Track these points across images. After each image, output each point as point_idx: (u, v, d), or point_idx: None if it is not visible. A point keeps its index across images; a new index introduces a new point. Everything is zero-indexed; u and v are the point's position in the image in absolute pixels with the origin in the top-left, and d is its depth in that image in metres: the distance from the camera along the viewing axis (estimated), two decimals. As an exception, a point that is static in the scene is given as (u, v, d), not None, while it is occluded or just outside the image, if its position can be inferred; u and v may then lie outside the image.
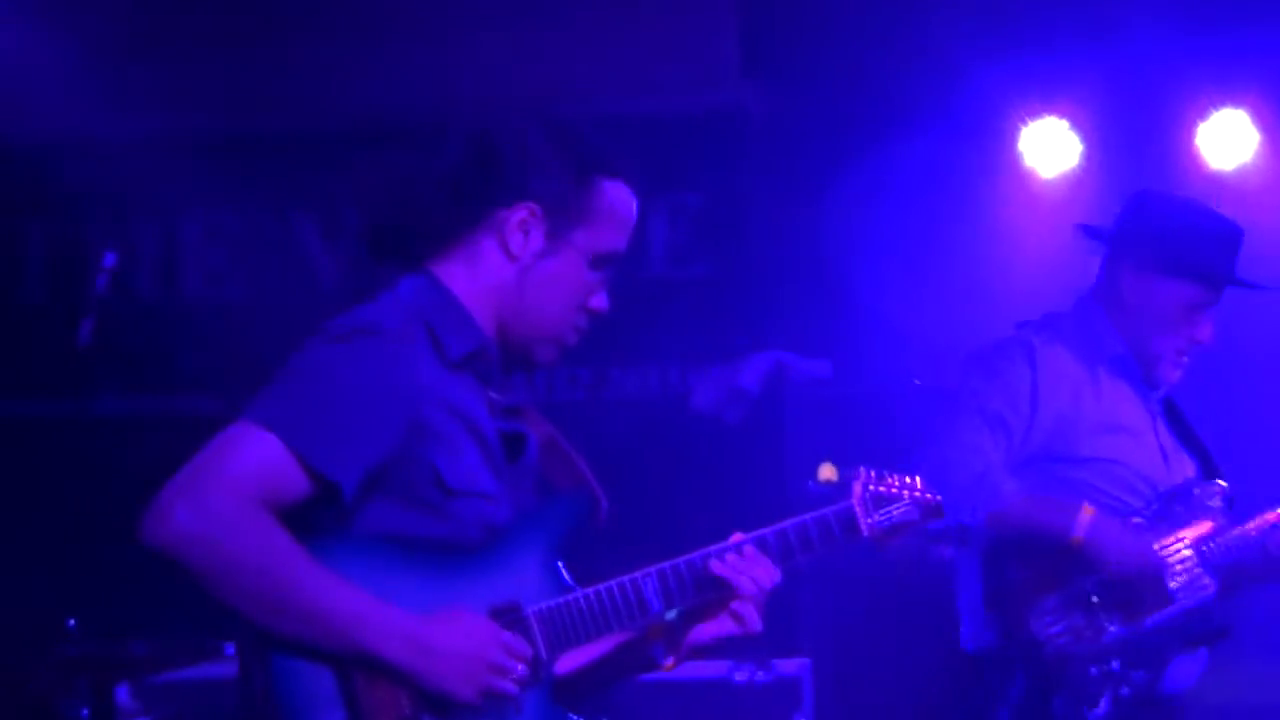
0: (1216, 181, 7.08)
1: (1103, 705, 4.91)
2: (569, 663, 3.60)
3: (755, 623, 3.62)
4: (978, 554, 5.11)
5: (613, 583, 3.51)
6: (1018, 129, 7.30)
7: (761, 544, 3.61)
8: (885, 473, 3.77)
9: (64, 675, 5.43)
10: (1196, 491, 5.14)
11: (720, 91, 7.58)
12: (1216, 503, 5.13)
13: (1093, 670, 4.94)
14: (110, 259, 5.43)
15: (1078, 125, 7.27)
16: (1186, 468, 5.22)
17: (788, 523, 3.65)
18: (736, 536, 3.60)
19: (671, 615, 3.64)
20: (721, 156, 7.56)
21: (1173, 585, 4.99)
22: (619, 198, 3.58)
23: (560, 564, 3.52)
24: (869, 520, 3.69)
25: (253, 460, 3.25)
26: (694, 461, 7.39)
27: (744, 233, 7.65)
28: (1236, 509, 5.15)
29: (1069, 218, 7.04)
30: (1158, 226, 5.19)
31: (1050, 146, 7.31)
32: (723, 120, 7.57)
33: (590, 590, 3.49)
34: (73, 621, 5.47)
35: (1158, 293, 5.15)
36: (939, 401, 5.26)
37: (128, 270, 5.61)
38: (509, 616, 3.41)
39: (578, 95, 7.08)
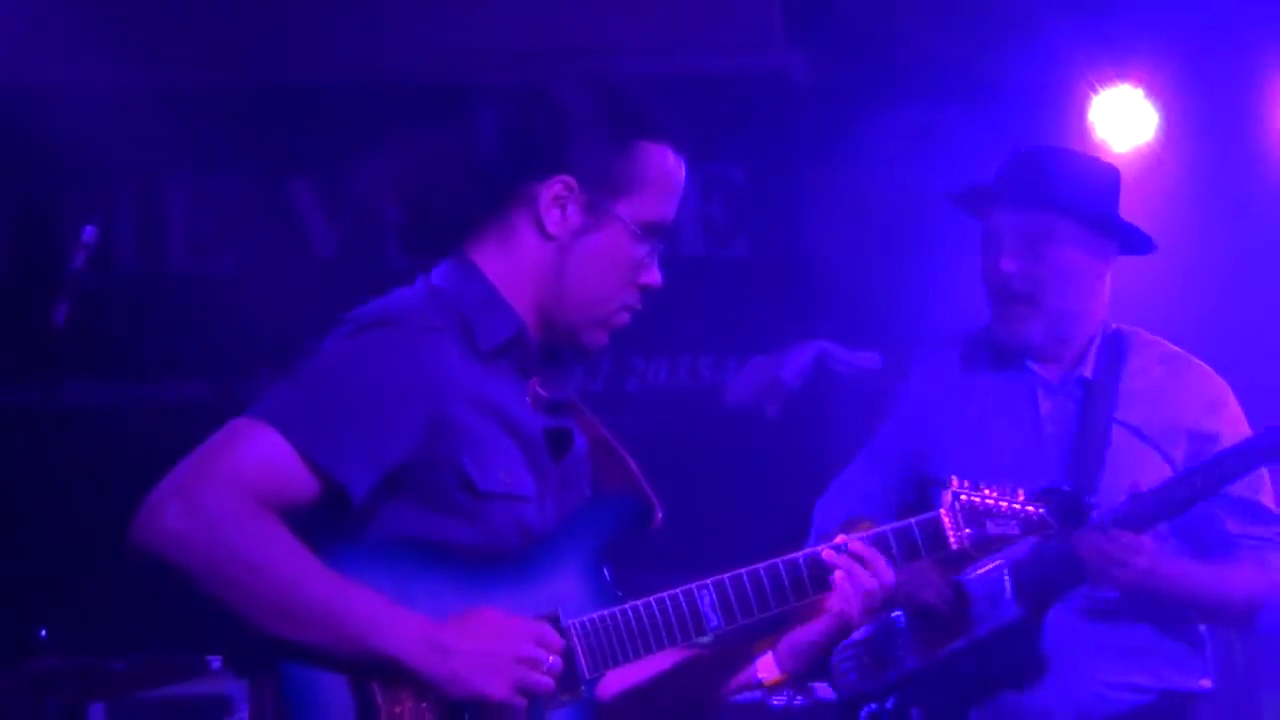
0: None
1: None
2: (624, 679, 3.57)
3: (858, 622, 3.60)
4: None
5: (664, 595, 3.47)
6: (1088, 98, 7.21)
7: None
8: (980, 482, 3.74)
9: (33, 692, 5.41)
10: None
11: (762, 55, 7.52)
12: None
13: (862, 712, 4.86)
14: (90, 233, 5.34)
15: (1154, 94, 7.17)
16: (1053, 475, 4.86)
17: (867, 533, 3.62)
18: (841, 539, 3.58)
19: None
20: (763, 127, 7.50)
21: (974, 610, 4.81)
22: (665, 162, 3.53)
23: (606, 572, 3.49)
24: (959, 534, 3.67)
25: (253, 457, 3.24)
26: (727, 461, 7.36)
27: (786, 211, 7.60)
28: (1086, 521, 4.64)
29: (1144, 196, 7.06)
30: None
31: (1124, 118, 7.21)
32: (765, 86, 7.51)
33: (639, 603, 3.44)
34: (44, 633, 5.50)
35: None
36: None
37: (105, 241, 5.59)
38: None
39: (604, 51, 7.03)
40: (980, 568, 4.76)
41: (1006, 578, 4.72)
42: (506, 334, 3.46)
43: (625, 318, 3.56)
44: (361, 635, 3.22)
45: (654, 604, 3.45)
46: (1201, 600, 4.84)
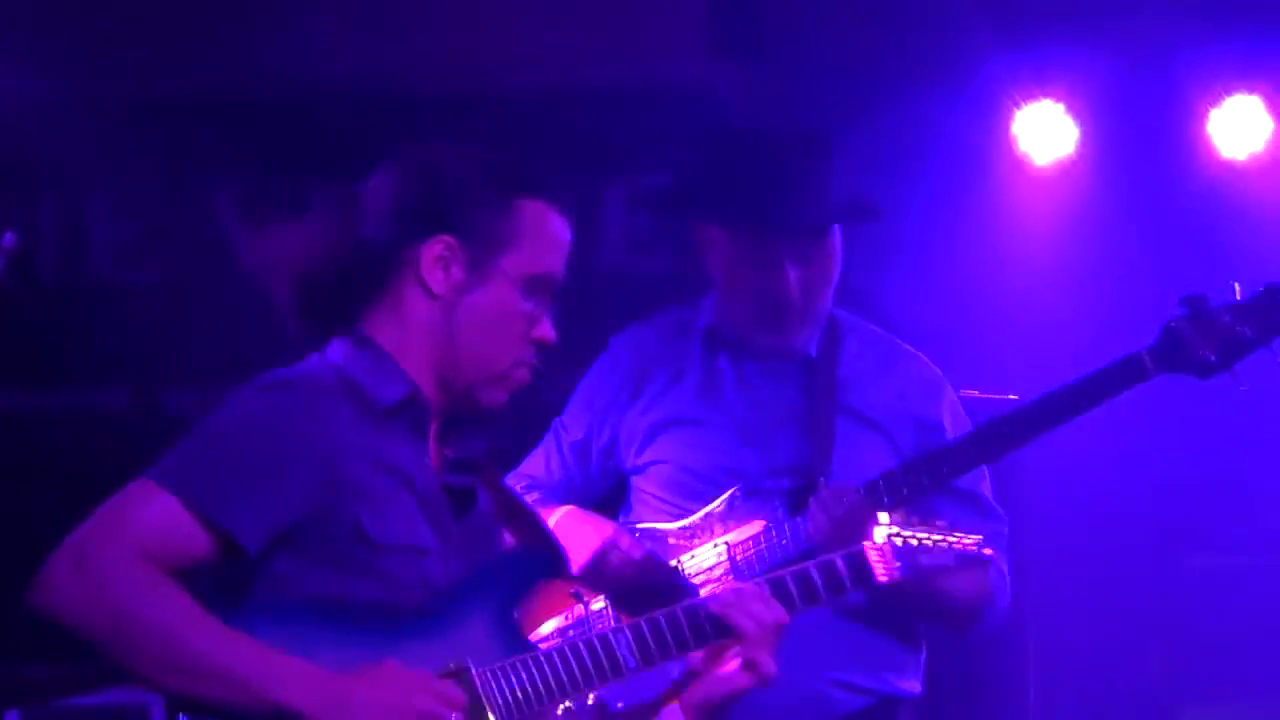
0: (1229, 169, 7.03)
1: None
2: None
3: (768, 665, 3.57)
4: None
5: (578, 640, 3.48)
6: (1011, 113, 7.23)
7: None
8: (914, 517, 3.81)
9: (-52, 701, 5.36)
10: (758, 485, 4.80)
11: (686, 65, 7.46)
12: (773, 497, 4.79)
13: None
14: (9, 239, 5.33)
15: (1074, 110, 7.21)
16: (782, 452, 4.87)
17: (787, 570, 3.67)
18: (729, 581, 3.68)
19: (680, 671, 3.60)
20: (689, 138, 7.32)
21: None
22: (546, 217, 3.54)
23: (519, 625, 3.48)
24: (889, 566, 3.73)
25: (146, 518, 3.30)
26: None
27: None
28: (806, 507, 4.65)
29: (1064, 208, 7.16)
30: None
31: (1045, 132, 7.23)
32: (689, 98, 7.43)
33: (553, 649, 3.44)
34: (-41, 640, 5.37)
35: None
36: None
37: (27, 249, 5.53)
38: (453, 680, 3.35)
39: (524, 62, 7.03)
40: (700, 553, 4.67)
41: (729, 569, 4.63)
42: (399, 395, 3.47)
43: (523, 374, 3.56)
44: (258, 687, 3.24)
45: (567, 650, 3.46)
46: (929, 599, 4.69)
